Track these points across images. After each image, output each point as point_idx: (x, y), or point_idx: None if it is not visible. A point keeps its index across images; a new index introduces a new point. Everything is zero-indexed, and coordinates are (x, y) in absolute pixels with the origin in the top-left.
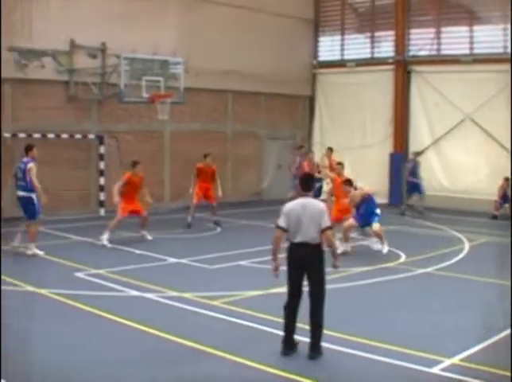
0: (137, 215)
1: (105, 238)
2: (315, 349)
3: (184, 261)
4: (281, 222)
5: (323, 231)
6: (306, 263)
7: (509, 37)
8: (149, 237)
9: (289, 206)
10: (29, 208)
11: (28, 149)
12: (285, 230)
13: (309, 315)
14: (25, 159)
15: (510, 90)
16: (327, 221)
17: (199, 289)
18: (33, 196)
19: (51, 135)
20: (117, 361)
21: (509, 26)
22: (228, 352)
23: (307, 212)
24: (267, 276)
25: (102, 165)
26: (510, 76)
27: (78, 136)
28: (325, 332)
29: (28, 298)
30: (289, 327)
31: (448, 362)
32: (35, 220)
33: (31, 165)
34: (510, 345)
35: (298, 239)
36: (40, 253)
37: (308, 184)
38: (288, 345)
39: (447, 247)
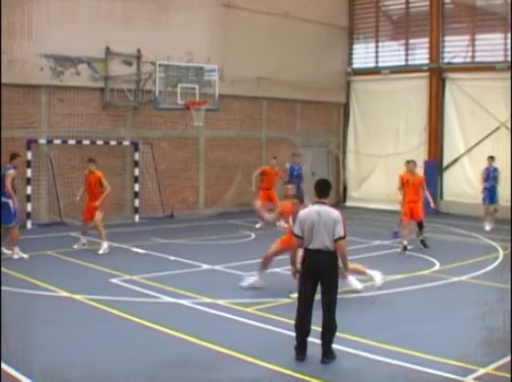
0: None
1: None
2: (327, 354)
3: (217, 267)
4: (297, 230)
5: (335, 240)
6: (320, 270)
7: None
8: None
9: (304, 213)
10: (5, 214)
11: (12, 157)
12: (300, 237)
13: (322, 320)
14: (7, 165)
15: None
16: (340, 231)
17: (233, 295)
18: (9, 201)
19: (86, 142)
20: (150, 367)
21: None
22: (261, 358)
23: (322, 219)
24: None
25: (136, 171)
26: (510, 80)
27: (113, 143)
28: (360, 340)
29: (63, 303)
30: (301, 332)
31: (482, 371)
32: (12, 224)
33: (10, 171)
34: None
35: (313, 246)
36: (25, 256)
37: (324, 190)
38: (302, 350)
39: (481, 255)
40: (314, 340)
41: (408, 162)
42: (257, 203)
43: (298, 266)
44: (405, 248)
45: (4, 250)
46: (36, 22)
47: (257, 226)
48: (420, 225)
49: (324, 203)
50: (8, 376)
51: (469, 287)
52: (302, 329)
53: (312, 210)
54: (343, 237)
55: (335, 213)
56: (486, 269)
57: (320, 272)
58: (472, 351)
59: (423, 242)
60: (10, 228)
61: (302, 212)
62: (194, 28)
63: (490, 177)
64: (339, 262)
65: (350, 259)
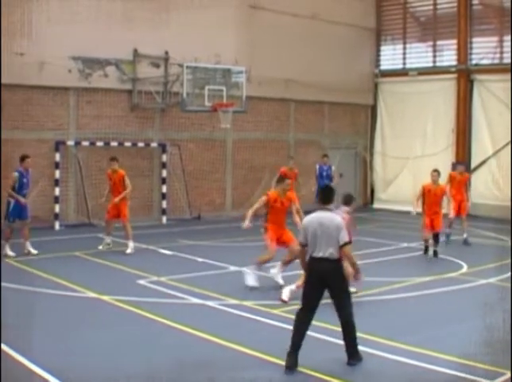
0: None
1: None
2: (353, 356)
3: (245, 269)
4: (301, 238)
5: (340, 247)
6: (326, 278)
7: None
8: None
9: (307, 220)
10: (5, 210)
11: (21, 159)
12: (305, 245)
13: (341, 326)
14: (19, 168)
15: None
16: (344, 237)
17: (260, 297)
18: (11, 200)
19: (114, 143)
20: (175, 367)
21: None
22: (284, 359)
23: (324, 226)
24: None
25: (164, 173)
26: (510, 82)
27: (141, 144)
28: (386, 342)
29: (90, 304)
30: (297, 341)
31: (509, 374)
32: (9, 222)
33: (14, 174)
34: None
35: (317, 254)
36: (12, 254)
37: (327, 196)
38: (293, 359)
39: (509, 257)
40: (339, 341)
41: (433, 172)
42: None
43: None
44: (427, 250)
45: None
46: (64, 23)
47: None
48: (436, 237)
49: (328, 209)
50: (36, 377)
51: (497, 290)
52: (297, 338)
53: (313, 217)
54: (348, 243)
55: (338, 219)
56: None
57: (325, 280)
58: (500, 354)
59: (435, 252)
60: (5, 226)
61: (306, 219)
62: (221, 29)
63: None
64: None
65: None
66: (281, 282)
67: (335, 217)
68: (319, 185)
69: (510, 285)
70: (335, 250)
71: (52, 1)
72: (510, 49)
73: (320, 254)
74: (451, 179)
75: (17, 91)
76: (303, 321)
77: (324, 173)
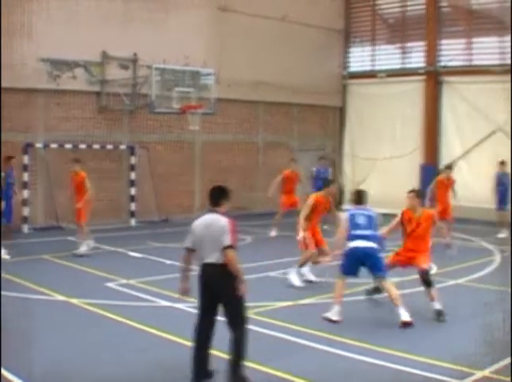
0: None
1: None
2: (235, 379)
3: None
4: (186, 242)
5: (223, 250)
6: (213, 285)
7: None
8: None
9: (194, 224)
10: None
11: (6, 159)
12: (190, 250)
13: (230, 346)
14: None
15: None
16: (226, 240)
17: None
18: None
19: (82, 146)
20: (144, 369)
21: None
22: (258, 362)
23: (210, 230)
24: (297, 287)
25: (133, 175)
26: (510, 83)
27: (109, 146)
28: (356, 344)
29: (59, 307)
30: (198, 355)
31: (479, 374)
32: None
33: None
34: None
35: (205, 259)
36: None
37: (217, 198)
38: (198, 375)
39: (478, 258)
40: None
41: (408, 193)
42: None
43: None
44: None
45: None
46: (33, 25)
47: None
48: (424, 279)
49: (215, 211)
50: (6, 381)
51: (466, 290)
52: (198, 353)
53: (201, 220)
54: (231, 246)
55: (224, 222)
56: (483, 272)
57: (212, 287)
58: (469, 354)
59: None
60: None
61: (194, 223)
62: (190, 31)
63: (501, 182)
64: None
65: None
66: (313, 278)
67: (221, 219)
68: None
69: (478, 285)
70: (221, 254)
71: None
72: (479, 51)
73: (206, 259)
74: (438, 185)
75: None
76: (201, 336)
77: (321, 176)
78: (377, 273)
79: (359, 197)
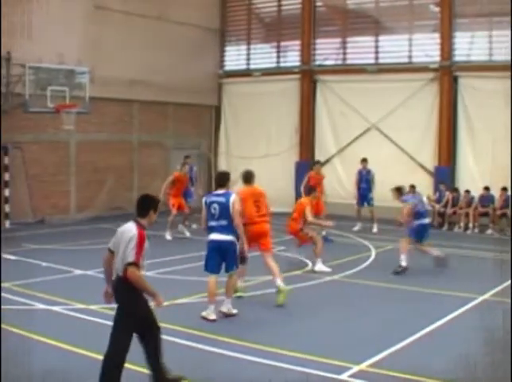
0: None
1: None
2: None
3: (90, 272)
4: (110, 243)
5: (124, 267)
6: (117, 299)
7: (412, 47)
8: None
9: (119, 228)
10: None
11: None
12: (111, 251)
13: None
14: None
15: (412, 99)
16: (130, 255)
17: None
18: None
19: None
20: (24, 375)
21: (409, 36)
22: (134, 362)
23: (120, 239)
24: (172, 287)
25: (7, 176)
26: (510, 82)
27: None
28: (230, 340)
29: None
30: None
31: (356, 368)
32: None
33: None
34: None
35: (115, 269)
36: None
37: (141, 207)
38: None
39: (354, 254)
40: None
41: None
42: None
43: None
44: None
45: None
46: None
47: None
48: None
49: (137, 221)
50: None
51: (341, 286)
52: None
53: (122, 226)
54: (132, 264)
55: (132, 232)
56: (358, 267)
57: (116, 299)
58: (346, 349)
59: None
60: None
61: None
62: (65, 29)
63: (363, 179)
64: None
65: None
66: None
67: (132, 228)
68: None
69: (354, 281)
70: (122, 266)
71: None
72: (354, 51)
73: (116, 269)
74: (308, 179)
75: None
76: (112, 357)
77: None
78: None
79: (219, 179)
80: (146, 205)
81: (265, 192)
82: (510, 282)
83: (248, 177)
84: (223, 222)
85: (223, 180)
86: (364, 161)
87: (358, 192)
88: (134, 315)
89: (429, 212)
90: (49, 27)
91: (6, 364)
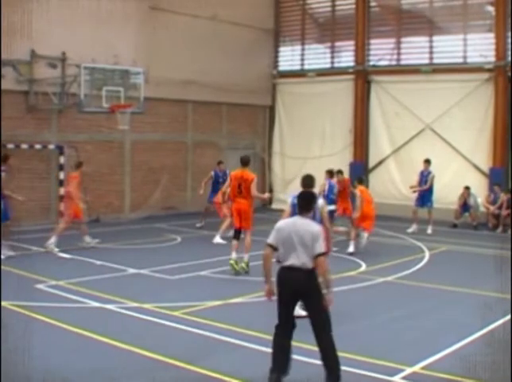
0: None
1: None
2: (331, 378)
3: (144, 272)
4: (271, 238)
5: (315, 257)
6: (297, 290)
7: (466, 47)
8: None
9: (282, 223)
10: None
11: (5, 158)
12: (274, 248)
13: (318, 347)
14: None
15: (467, 99)
16: (319, 247)
17: (160, 299)
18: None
19: (10, 145)
20: (74, 372)
21: (464, 36)
22: (187, 362)
23: (299, 233)
24: (226, 286)
25: (62, 175)
26: (510, 82)
27: (38, 146)
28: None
29: None
30: (277, 360)
31: (409, 370)
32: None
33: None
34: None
35: (288, 262)
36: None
37: (306, 203)
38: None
39: (407, 255)
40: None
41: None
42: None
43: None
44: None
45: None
46: None
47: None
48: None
49: (305, 216)
50: None
51: (395, 288)
52: (278, 361)
53: (289, 221)
54: (324, 253)
55: (315, 227)
56: (412, 269)
57: (295, 291)
58: (399, 350)
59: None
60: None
61: (280, 222)
62: (120, 30)
63: (424, 180)
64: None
65: None
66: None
67: (311, 224)
68: (216, 192)
69: (407, 282)
70: (309, 260)
71: None
72: (408, 51)
73: (290, 262)
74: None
75: None
76: (280, 350)
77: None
78: None
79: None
80: (312, 201)
81: (251, 178)
82: None
83: (245, 162)
84: None
85: (309, 184)
86: (427, 162)
87: (418, 193)
88: (320, 302)
89: (484, 213)
90: (104, 28)
91: (59, 360)
